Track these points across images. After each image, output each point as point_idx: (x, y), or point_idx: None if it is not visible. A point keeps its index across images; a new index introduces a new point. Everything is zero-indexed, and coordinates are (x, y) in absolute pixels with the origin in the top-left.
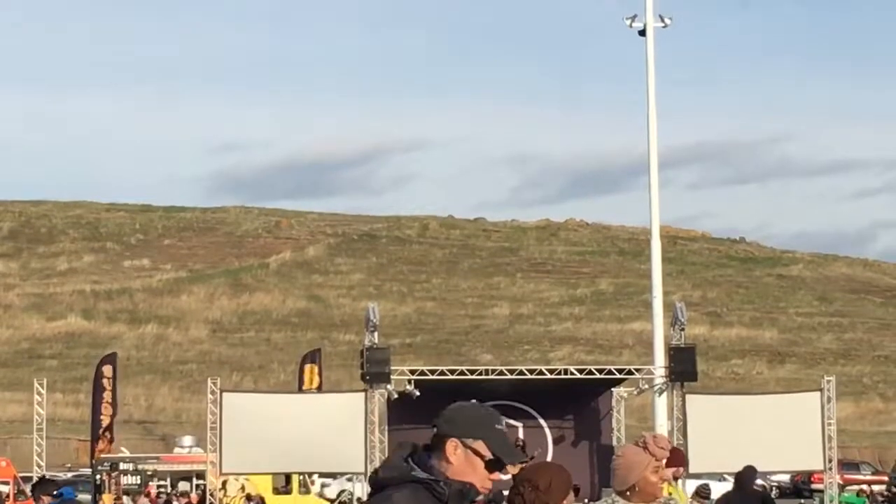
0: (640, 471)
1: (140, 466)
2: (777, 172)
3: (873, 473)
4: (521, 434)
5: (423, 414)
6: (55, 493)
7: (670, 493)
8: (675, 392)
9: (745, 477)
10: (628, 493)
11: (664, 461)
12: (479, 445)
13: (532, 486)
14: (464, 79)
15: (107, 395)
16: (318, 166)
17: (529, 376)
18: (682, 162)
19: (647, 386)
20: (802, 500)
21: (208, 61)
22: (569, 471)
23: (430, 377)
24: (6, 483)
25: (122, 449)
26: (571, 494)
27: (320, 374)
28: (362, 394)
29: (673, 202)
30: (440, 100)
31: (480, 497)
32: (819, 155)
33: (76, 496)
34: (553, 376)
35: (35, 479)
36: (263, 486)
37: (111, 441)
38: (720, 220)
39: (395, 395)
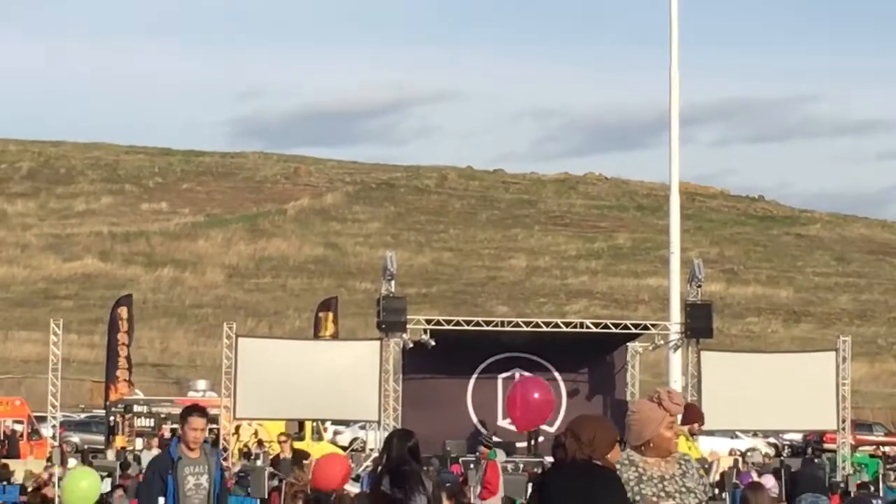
0: (655, 426)
1: (154, 409)
2: (800, 132)
3: (886, 434)
4: None
5: (437, 364)
6: None
7: (689, 448)
8: (690, 348)
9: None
10: (643, 448)
11: (679, 416)
12: None
13: (574, 436)
14: (490, 32)
15: (122, 337)
16: (341, 115)
17: (545, 329)
18: (705, 119)
19: (662, 342)
20: (816, 460)
21: (235, 8)
22: (614, 425)
23: (446, 327)
24: (20, 422)
25: (137, 391)
26: (617, 448)
27: (336, 322)
28: (377, 342)
29: (694, 159)
30: (465, 52)
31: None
32: (843, 115)
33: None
34: (569, 329)
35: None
36: (276, 432)
37: (129, 382)
38: (741, 178)
39: (411, 345)
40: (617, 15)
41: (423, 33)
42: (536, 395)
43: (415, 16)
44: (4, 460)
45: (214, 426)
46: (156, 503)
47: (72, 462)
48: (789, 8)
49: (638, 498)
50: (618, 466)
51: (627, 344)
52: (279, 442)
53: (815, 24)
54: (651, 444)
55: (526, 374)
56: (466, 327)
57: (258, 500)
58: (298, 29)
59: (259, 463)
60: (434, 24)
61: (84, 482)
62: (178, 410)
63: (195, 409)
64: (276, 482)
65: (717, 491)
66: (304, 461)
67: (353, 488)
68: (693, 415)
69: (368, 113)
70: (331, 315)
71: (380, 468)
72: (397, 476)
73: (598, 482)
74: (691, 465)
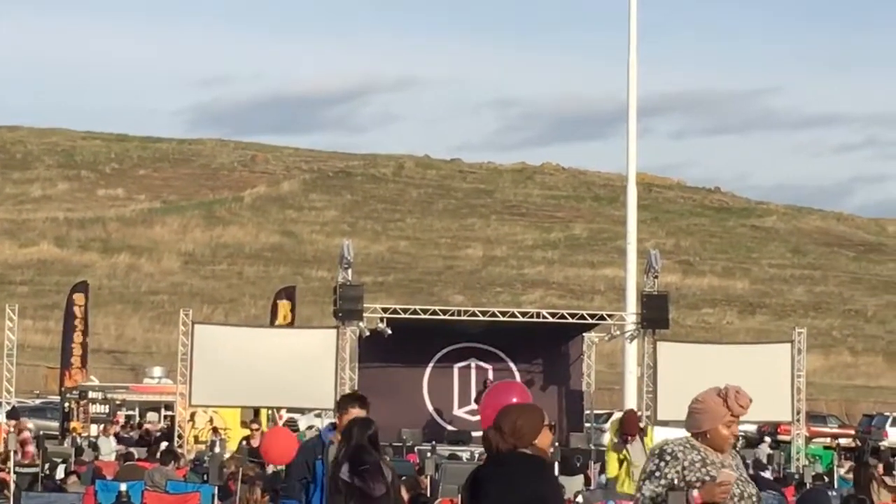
0: (715, 422)
1: (109, 395)
2: (759, 124)
3: (840, 426)
4: (490, 376)
5: (393, 352)
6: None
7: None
8: (646, 339)
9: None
10: (698, 437)
11: (739, 417)
12: None
13: (496, 428)
14: (449, 21)
15: (78, 324)
16: (299, 103)
17: (502, 318)
18: (664, 110)
19: (618, 332)
20: (770, 451)
21: None
22: (541, 409)
23: (403, 316)
24: None
25: (92, 377)
26: (546, 432)
27: (293, 311)
28: (334, 330)
29: (652, 150)
30: (424, 41)
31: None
32: (802, 108)
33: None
34: (525, 319)
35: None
36: (232, 420)
37: (83, 368)
38: (699, 170)
39: (367, 333)
40: (577, 5)
41: (383, 22)
42: (515, 400)
43: (374, 4)
44: None
45: (170, 413)
46: (301, 489)
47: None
48: (750, 0)
49: (707, 478)
50: (681, 449)
51: (583, 334)
52: (252, 430)
53: (776, 17)
54: (707, 436)
55: (481, 364)
56: (423, 316)
57: (216, 488)
58: (258, 16)
59: (217, 450)
60: (393, 13)
61: None
62: (133, 397)
63: (356, 399)
64: (231, 468)
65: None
66: None
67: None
68: (631, 425)
69: (327, 101)
70: (288, 304)
71: (339, 456)
72: (357, 464)
73: (521, 470)
74: (740, 459)
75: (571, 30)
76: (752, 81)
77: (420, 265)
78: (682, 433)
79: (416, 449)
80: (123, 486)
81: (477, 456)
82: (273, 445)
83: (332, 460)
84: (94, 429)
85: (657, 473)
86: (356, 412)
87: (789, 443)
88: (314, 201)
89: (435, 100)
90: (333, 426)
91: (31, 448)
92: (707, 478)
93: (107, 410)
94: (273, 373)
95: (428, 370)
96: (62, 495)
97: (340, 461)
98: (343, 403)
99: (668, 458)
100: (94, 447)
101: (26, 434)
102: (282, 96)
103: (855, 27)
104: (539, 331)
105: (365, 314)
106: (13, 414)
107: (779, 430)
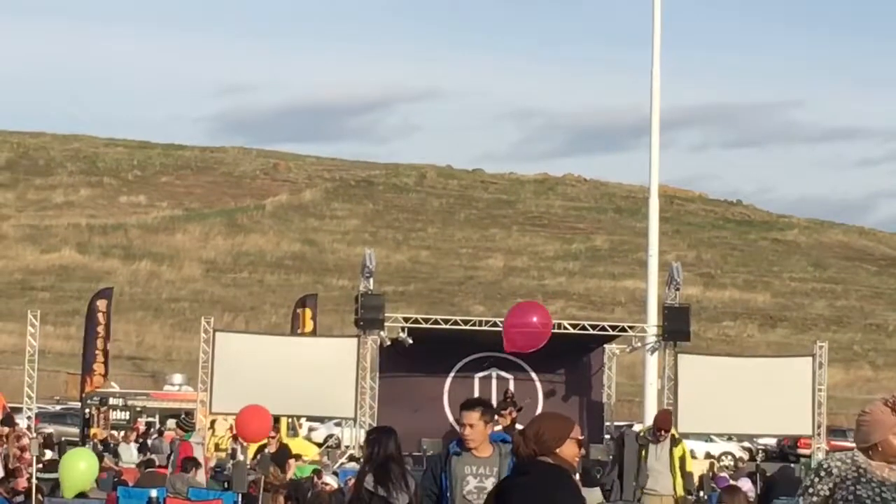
0: (885, 431)
1: (129, 402)
2: (781, 137)
3: None
4: (511, 387)
5: (414, 362)
6: None
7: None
8: (667, 351)
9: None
10: (870, 451)
11: None
12: None
13: (522, 432)
14: (475, 32)
15: (101, 330)
16: (323, 112)
17: None
18: (686, 122)
19: (639, 344)
20: (791, 464)
21: (219, 3)
22: (572, 421)
23: (424, 325)
24: None
25: (112, 384)
26: (572, 444)
27: (314, 319)
28: (355, 339)
29: (674, 163)
30: (448, 52)
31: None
32: (824, 122)
33: None
34: None
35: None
36: None
37: (105, 375)
38: (721, 182)
39: (388, 343)
40: (600, 17)
41: (406, 32)
42: (535, 319)
43: (398, 14)
44: None
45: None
46: (429, 502)
47: (48, 454)
48: (773, 13)
49: (851, 497)
50: (837, 465)
51: (604, 346)
52: (269, 438)
53: (798, 31)
54: (878, 448)
55: (503, 374)
56: (444, 326)
57: (240, 495)
58: (282, 25)
59: (240, 457)
60: (417, 24)
61: (83, 463)
62: (153, 404)
63: (469, 402)
64: (253, 476)
65: (701, 494)
66: (289, 459)
67: (332, 481)
68: (664, 421)
69: (350, 110)
70: (309, 312)
71: (364, 465)
72: (381, 473)
73: (543, 480)
74: None
75: (594, 41)
76: (774, 95)
77: (441, 275)
78: (702, 446)
79: None
80: (154, 493)
81: None
82: (249, 423)
83: (359, 469)
84: (114, 435)
85: (811, 490)
86: (470, 415)
87: (809, 457)
88: (336, 210)
89: (457, 110)
90: (459, 441)
91: (29, 455)
92: (851, 497)
93: (127, 417)
94: (293, 381)
95: (448, 380)
96: (84, 501)
97: (364, 470)
98: (460, 409)
99: (822, 473)
100: (115, 454)
101: (25, 441)
102: (304, 105)
103: (877, 41)
104: (560, 342)
105: (386, 323)
106: (7, 421)
107: (799, 444)
